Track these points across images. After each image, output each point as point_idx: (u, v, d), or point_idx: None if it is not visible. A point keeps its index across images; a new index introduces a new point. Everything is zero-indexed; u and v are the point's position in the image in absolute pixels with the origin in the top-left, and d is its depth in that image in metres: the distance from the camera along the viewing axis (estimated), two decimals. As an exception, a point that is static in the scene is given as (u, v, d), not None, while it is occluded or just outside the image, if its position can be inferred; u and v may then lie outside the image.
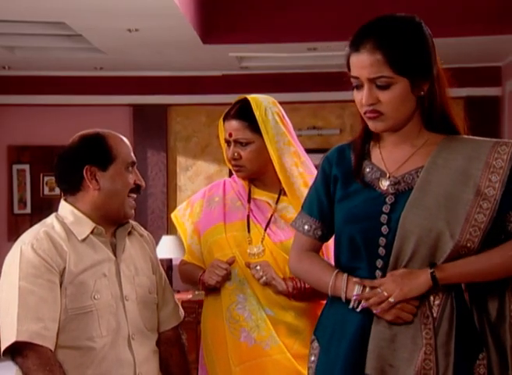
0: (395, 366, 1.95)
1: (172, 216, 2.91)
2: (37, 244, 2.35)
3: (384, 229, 1.99)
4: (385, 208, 2.01)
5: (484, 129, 8.68)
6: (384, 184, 2.04)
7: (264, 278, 2.56)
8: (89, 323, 2.32)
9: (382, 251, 2.00)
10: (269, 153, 2.65)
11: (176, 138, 8.38)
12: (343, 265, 2.08)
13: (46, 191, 8.39)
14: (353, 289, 2.00)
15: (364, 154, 2.11)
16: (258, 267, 2.57)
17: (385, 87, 1.98)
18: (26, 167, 8.41)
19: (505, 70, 7.84)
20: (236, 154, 2.67)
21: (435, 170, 2.00)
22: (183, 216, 2.85)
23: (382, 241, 1.99)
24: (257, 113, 2.65)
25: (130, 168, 2.46)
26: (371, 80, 1.98)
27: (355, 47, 2.00)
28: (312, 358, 2.14)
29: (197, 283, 2.71)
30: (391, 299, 1.93)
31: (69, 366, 2.29)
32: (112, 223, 2.47)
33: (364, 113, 2.03)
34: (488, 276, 2.00)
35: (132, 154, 2.48)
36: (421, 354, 1.92)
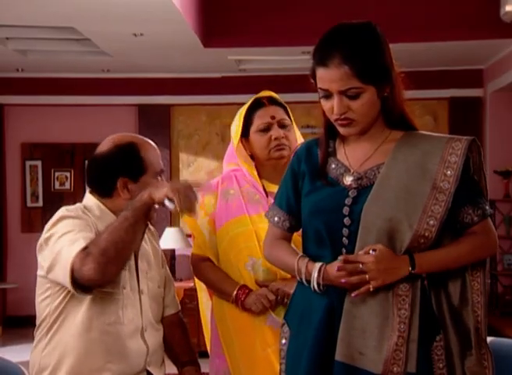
0: (364, 354, 1.94)
1: None
2: (77, 215, 2.34)
3: (346, 220, 1.99)
4: (348, 201, 2.00)
5: (467, 127, 8.74)
6: (348, 180, 2.04)
7: (285, 300, 2.54)
8: (114, 308, 2.32)
9: (345, 241, 1.99)
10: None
11: (179, 136, 8.38)
12: (310, 254, 2.07)
13: (57, 185, 8.39)
14: (312, 270, 1.99)
15: (329, 151, 2.11)
16: (277, 296, 2.58)
17: (355, 97, 1.97)
18: (38, 163, 8.41)
19: (487, 73, 7.85)
20: (283, 134, 2.68)
21: (394, 165, 2.00)
22: None
23: (345, 231, 1.99)
24: (285, 104, 2.74)
25: (159, 177, 2.46)
26: (342, 92, 1.97)
27: (322, 62, 1.98)
28: (283, 341, 2.13)
29: (226, 296, 2.64)
30: (371, 287, 1.92)
31: (92, 347, 2.29)
32: None
33: (335, 120, 2.03)
34: (452, 267, 2.02)
35: (160, 161, 2.48)
36: (391, 344, 1.92)
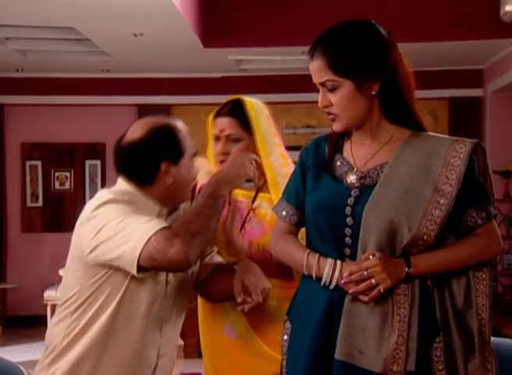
0: (364, 353, 1.95)
1: None
2: (125, 201, 2.23)
3: (349, 220, 1.98)
4: (350, 201, 2.00)
5: (467, 127, 8.73)
6: (351, 178, 2.03)
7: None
8: (139, 299, 2.25)
9: (348, 240, 1.99)
10: (257, 152, 2.54)
11: (179, 136, 8.37)
12: (314, 251, 2.07)
13: (57, 185, 8.38)
14: (324, 267, 1.99)
15: (337, 148, 2.11)
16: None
17: (332, 90, 1.99)
18: (38, 163, 8.41)
19: (487, 73, 7.85)
20: (225, 150, 2.57)
21: (398, 165, 1.99)
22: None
23: (348, 231, 1.99)
24: (250, 112, 2.58)
25: (193, 158, 2.39)
26: (322, 84, 2.01)
27: (309, 55, 2.04)
28: (285, 337, 2.13)
29: None
30: (381, 289, 1.93)
31: (105, 338, 2.23)
32: (171, 207, 2.37)
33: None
34: (453, 268, 2.02)
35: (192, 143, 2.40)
36: (391, 343, 1.92)
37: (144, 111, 8.29)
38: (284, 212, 2.16)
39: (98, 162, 8.33)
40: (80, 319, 2.25)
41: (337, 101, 1.99)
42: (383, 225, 1.94)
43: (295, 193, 2.15)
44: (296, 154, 2.19)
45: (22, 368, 2.39)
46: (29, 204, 8.38)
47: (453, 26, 6.54)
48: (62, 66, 7.77)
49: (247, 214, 2.55)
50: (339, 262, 1.98)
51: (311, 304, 2.05)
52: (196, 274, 2.44)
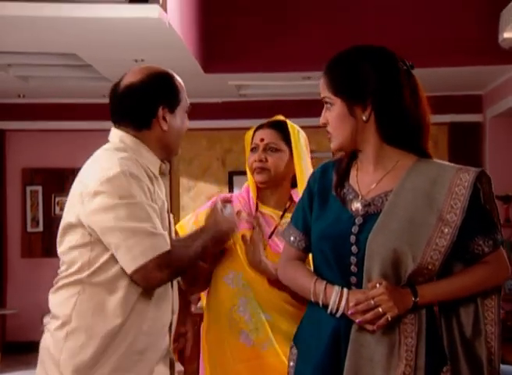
0: None
1: (177, 226, 2.80)
2: (137, 175, 2.17)
3: (354, 249, 1.97)
4: (354, 230, 1.99)
5: (466, 152, 8.71)
6: (355, 206, 2.02)
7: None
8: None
9: (354, 269, 1.98)
10: (295, 167, 2.66)
11: (179, 161, 8.38)
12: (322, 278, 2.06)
13: (57, 210, 8.38)
14: (331, 295, 1.98)
15: (345, 173, 2.10)
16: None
17: (329, 108, 2.03)
18: (39, 188, 8.41)
19: (486, 98, 7.88)
20: (263, 157, 2.65)
21: (402, 193, 1.98)
22: (186, 225, 2.78)
23: (353, 259, 1.97)
24: (291, 130, 2.68)
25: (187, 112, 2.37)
26: (323, 101, 2.04)
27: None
28: (291, 363, 2.12)
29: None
30: (389, 318, 1.91)
31: (130, 302, 2.16)
32: (162, 158, 2.34)
33: None
34: (460, 297, 2.00)
35: None
36: (399, 373, 1.90)
37: (144, 136, 8.33)
38: (292, 238, 2.16)
39: (99, 188, 8.33)
40: (96, 287, 2.16)
41: (330, 119, 2.02)
42: (387, 254, 1.92)
43: (302, 218, 2.14)
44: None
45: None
46: (29, 229, 8.38)
47: (453, 52, 6.58)
48: (63, 92, 7.80)
49: (276, 227, 2.61)
50: (345, 290, 1.97)
51: (317, 331, 2.04)
52: None
